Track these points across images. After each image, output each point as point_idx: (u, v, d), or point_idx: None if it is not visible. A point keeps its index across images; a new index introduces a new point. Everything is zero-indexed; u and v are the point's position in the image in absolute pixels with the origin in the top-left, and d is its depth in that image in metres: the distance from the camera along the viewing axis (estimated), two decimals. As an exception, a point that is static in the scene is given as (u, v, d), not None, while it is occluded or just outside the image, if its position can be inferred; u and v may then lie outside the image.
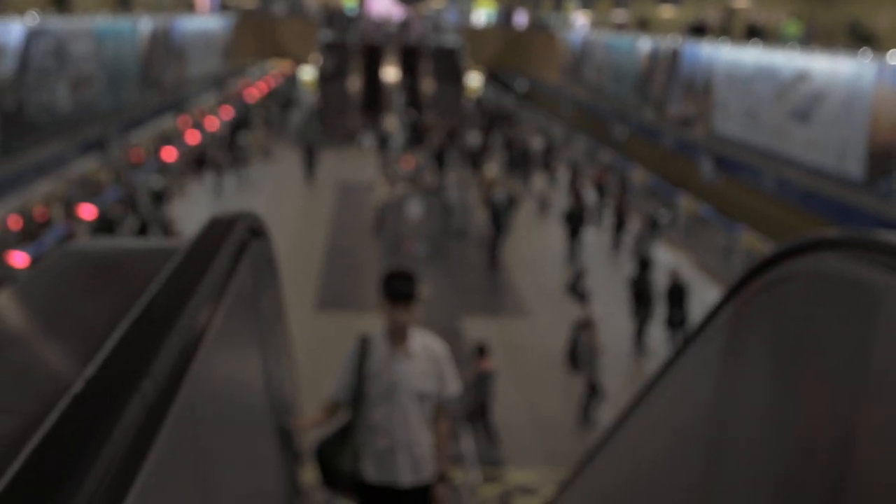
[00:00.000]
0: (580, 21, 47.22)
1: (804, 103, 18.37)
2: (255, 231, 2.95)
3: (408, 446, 4.77)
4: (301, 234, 24.16)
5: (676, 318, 17.40)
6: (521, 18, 55.52)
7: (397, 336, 4.78)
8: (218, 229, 2.42)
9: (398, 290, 4.71)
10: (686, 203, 25.54)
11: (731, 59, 22.28)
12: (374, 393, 4.76)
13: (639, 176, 29.88)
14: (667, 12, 28.35)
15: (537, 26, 50.28)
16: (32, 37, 17.91)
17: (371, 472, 4.81)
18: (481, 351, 13.03)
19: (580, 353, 14.81)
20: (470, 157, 33.81)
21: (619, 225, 24.16)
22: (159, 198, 24.35)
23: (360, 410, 4.79)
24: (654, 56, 28.24)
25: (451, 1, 57.26)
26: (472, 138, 35.21)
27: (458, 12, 67.54)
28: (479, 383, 12.89)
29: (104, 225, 20.61)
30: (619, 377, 17.04)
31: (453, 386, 4.89)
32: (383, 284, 4.74)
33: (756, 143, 20.49)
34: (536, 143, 35.19)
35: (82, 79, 20.80)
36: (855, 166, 16.41)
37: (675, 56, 26.21)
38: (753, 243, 21.27)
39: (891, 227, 14.97)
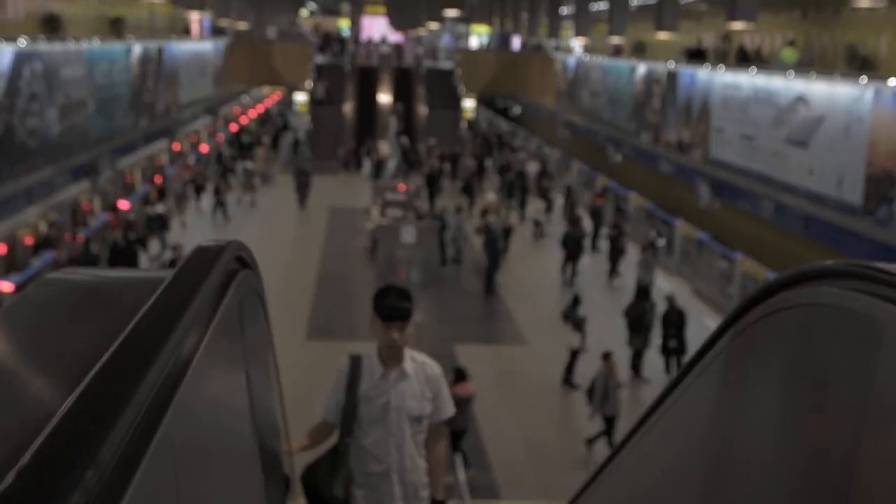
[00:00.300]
0: (576, 45, 47.19)
1: (802, 128, 18.19)
2: (243, 260, 2.80)
3: (402, 472, 4.58)
4: (293, 260, 23.92)
5: (673, 345, 17.20)
6: (515, 42, 55.51)
7: (391, 356, 4.62)
8: (203, 259, 2.31)
9: (393, 308, 4.54)
10: (683, 229, 25.34)
11: (729, 83, 22.12)
12: (366, 415, 4.58)
13: (635, 201, 29.70)
14: (663, 36, 28.19)
15: (532, 50, 50.25)
16: (22, 60, 17.69)
17: (363, 499, 4.62)
18: (459, 374, 12.78)
19: (597, 388, 14.57)
20: (464, 182, 33.63)
21: (615, 251, 23.97)
22: (162, 223, 24.11)
23: (350, 433, 4.60)
24: (649, 80, 28.09)
25: (445, 25, 57.27)
26: (466, 163, 35.04)
27: (452, 36, 67.64)
28: (457, 407, 12.60)
29: (88, 255, 20.36)
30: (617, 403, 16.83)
31: (449, 407, 4.74)
32: (376, 302, 4.57)
33: (753, 169, 20.30)
34: (532, 169, 35.03)
35: (73, 103, 20.58)
36: (853, 192, 16.23)
37: (671, 80, 26.06)
38: (751, 270, 21.05)
39: (891, 252, 14.77)
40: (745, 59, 24.49)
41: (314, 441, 4.84)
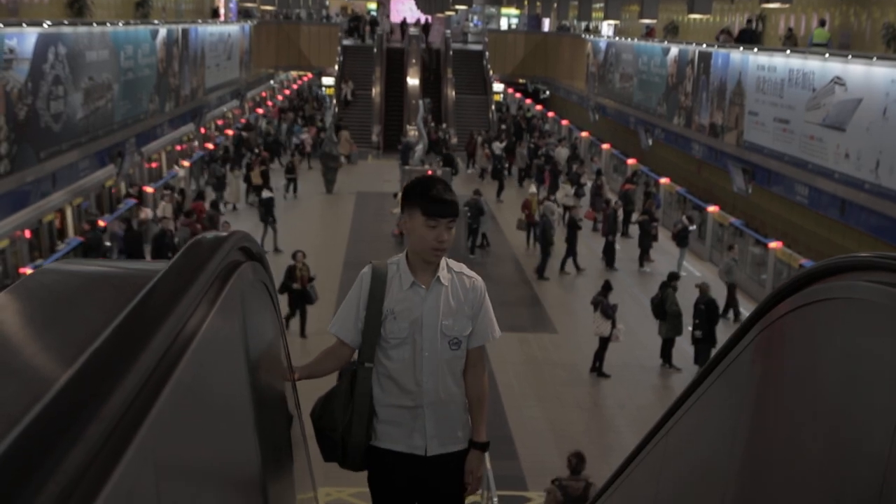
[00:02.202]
0: (606, 27, 46.69)
1: (838, 111, 17.78)
2: (248, 251, 2.76)
3: (435, 405, 3.78)
4: (319, 246, 23.71)
5: (698, 335, 16.89)
6: (546, 25, 55.05)
7: (427, 263, 3.79)
8: (200, 251, 2.28)
9: (442, 200, 3.72)
10: (715, 214, 24.96)
11: (763, 65, 21.68)
12: (391, 335, 3.78)
13: (667, 186, 29.31)
14: (695, 17, 27.74)
15: (562, 32, 49.78)
16: (46, 44, 17.53)
17: (386, 437, 3.82)
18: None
19: None
20: (494, 167, 33.33)
21: (645, 236, 23.66)
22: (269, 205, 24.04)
23: (372, 358, 3.82)
24: (682, 63, 27.65)
25: (474, 7, 56.85)
26: (496, 148, 34.70)
27: (481, 17, 67.20)
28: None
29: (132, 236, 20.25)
30: (646, 391, 16.56)
31: (493, 328, 3.87)
32: (414, 196, 3.78)
33: (788, 153, 19.89)
34: (562, 153, 34.67)
35: (97, 87, 20.41)
36: (890, 177, 15.82)
37: (703, 62, 25.63)
38: (786, 256, 20.67)
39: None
40: (784, 40, 24.02)
41: (326, 366, 3.98)
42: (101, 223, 20.90)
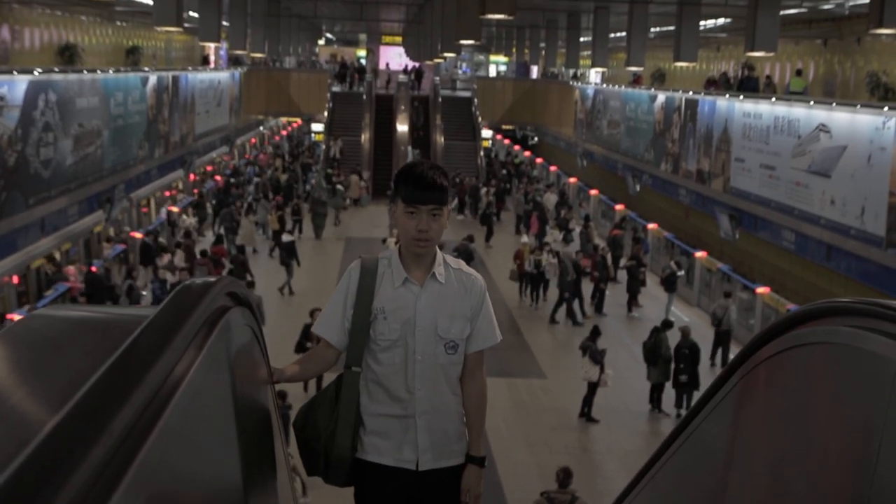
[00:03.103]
0: (593, 75, 47.05)
1: (823, 158, 17.93)
2: (235, 296, 2.73)
3: (428, 414, 3.43)
4: (303, 293, 23.66)
5: (684, 379, 16.91)
6: (534, 72, 55.44)
7: (418, 257, 3.45)
8: (188, 298, 2.27)
9: (423, 182, 3.38)
10: (703, 260, 25.06)
11: (749, 112, 21.88)
12: (381, 336, 3.43)
13: (655, 232, 29.43)
14: (682, 65, 28.03)
15: (550, 79, 50.13)
16: (37, 90, 17.61)
17: (373, 449, 3.47)
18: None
19: None
20: (482, 213, 33.44)
21: (634, 282, 23.72)
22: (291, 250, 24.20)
23: (359, 362, 3.47)
24: (669, 109, 27.88)
25: (463, 54, 57.27)
26: (484, 194, 34.83)
27: (470, 65, 67.70)
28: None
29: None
30: (635, 436, 16.54)
31: (493, 332, 3.52)
32: (401, 182, 3.45)
33: (774, 199, 20.03)
34: (550, 198, 34.81)
35: (87, 133, 20.49)
36: (875, 223, 15.94)
37: (690, 109, 25.84)
38: (773, 301, 20.74)
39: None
40: (765, 87, 24.24)
41: (308, 369, 3.68)
42: (93, 269, 20.89)
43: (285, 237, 25.44)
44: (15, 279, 18.99)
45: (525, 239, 27.06)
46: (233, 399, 2.58)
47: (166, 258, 22.93)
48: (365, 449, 3.47)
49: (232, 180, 36.46)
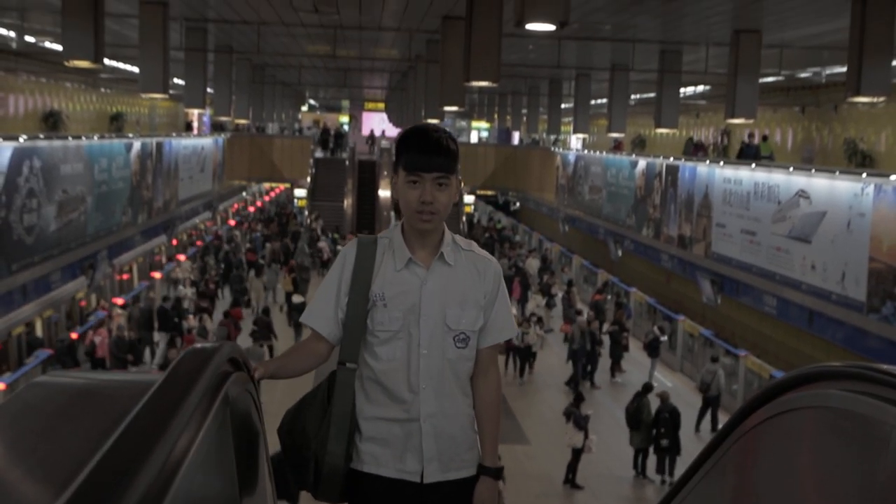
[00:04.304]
0: (575, 140, 47.45)
1: (803, 224, 18.08)
2: (235, 362, 2.69)
3: (435, 418, 2.99)
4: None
5: (665, 444, 16.88)
6: (516, 138, 55.87)
7: (422, 236, 3.03)
8: (194, 363, 2.27)
9: (427, 147, 2.97)
10: (685, 325, 25.12)
11: (729, 177, 22.09)
12: (380, 328, 3.01)
13: (637, 297, 29.51)
14: (662, 130, 28.38)
15: (532, 145, 50.52)
16: (21, 157, 17.65)
17: (371, 458, 3.02)
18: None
19: None
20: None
21: (617, 347, 23.73)
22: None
23: (356, 357, 3.05)
24: (650, 175, 28.12)
25: (445, 120, 57.61)
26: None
27: (452, 130, 68.04)
28: None
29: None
30: (620, 503, 16.48)
31: (509, 324, 3.12)
32: (402, 148, 3.04)
33: (756, 264, 20.15)
34: (533, 264, 34.91)
35: (71, 199, 20.50)
36: (856, 288, 16.04)
37: (671, 175, 26.08)
38: (756, 367, 20.78)
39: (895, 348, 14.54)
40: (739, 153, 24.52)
41: (296, 365, 3.17)
42: (74, 335, 20.83)
43: (295, 298, 25.92)
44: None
45: (513, 310, 26.77)
46: (235, 468, 2.57)
47: (192, 320, 23.06)
48: (361, 458, 3.04)
49: (226, 246, 36.54)
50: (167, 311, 23.43)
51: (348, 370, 3.04)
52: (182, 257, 32.51)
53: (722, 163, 23.26)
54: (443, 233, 3.05)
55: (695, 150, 29.40)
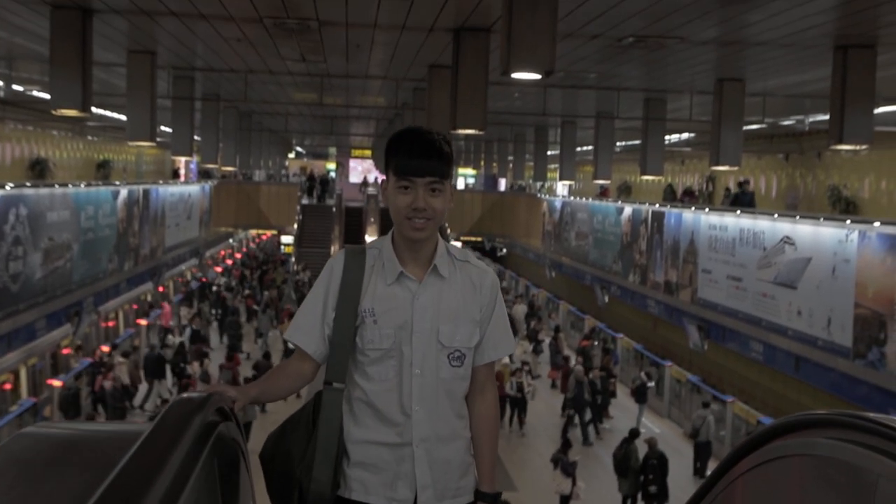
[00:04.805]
0: (561, 187, 47.65)
1: (789, 270, 18.15)
2: (223, 412, 2.68)
3: (429, 442, 2.81)
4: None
5: (653, 491, 16.83)
6: (502, 184, 56.08)
7: (413, 246, 2.85)
8: (182, 412, 2.28)
9: (419, 155, 2.79)
10: (672, 371, 25.11)
11: (714, 224, 22.19)
12: (370, 346, 2.84)
13: (624, 343, 29.51)
14: (648, 177, 28.56)
15: (518, 191, 50.70)
16: (7, 205, 17.64)
17: (360, 485, 2.83)
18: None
19: None
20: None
21: (604, 393, 23.68)
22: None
23: (343, 377, 2.87)
24: (636, 221, 28.23)
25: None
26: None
27: (439, 178, 68.25)
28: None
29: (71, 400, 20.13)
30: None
31: (507, 341, 2.97)
32: (392, 151, 2.85)
33: (742, 310, 20.20)
34: (520, 310, 34.90)
35: (57, 247, 20.47)
36: (842, 334, 16.08)
37: (657, 221, 26.18)
38: (743, 412, 20.76)
39: (884, 395, 14.54)
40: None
41: (280, 386, 3.02)
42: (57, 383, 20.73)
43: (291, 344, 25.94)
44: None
45: (505, 360, 26.32)
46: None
47: (195, 366, 23.07)
48: (349, 485, 2.84)
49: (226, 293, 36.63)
50: (163, 357, 23.84)
51: (335, 390, 2.85)
52: (167, 305, 32.46)
53: (707, 209, 23.37)
54: (436, 243, 2.90)
55: (683, 196, 29.54)
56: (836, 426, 2.09)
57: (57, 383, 20.89)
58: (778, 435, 2.36)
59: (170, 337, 28.23)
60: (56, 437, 2.44)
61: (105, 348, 24.51)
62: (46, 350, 22.56)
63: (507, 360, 25.86)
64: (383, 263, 2.85)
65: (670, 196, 29.52)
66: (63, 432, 2.57)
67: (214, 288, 36.79)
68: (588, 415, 22.63)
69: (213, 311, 33.53)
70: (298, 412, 2.94)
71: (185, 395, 2.45)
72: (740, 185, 24.77)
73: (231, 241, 52.66)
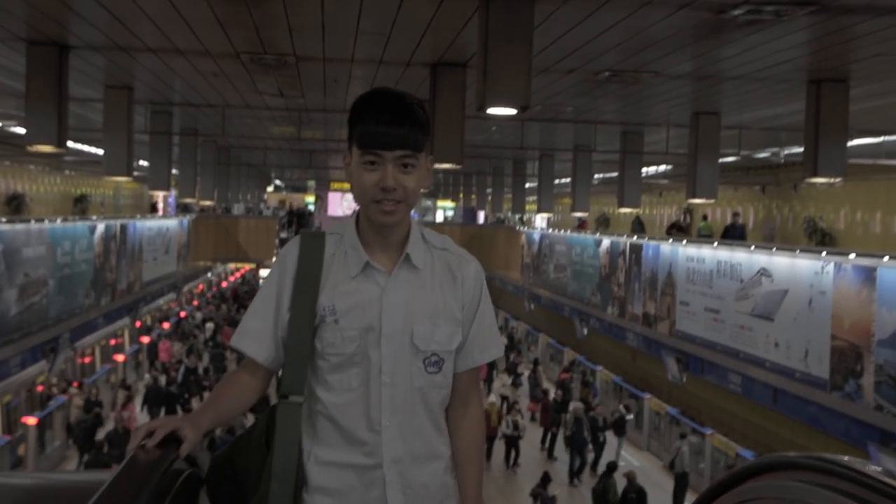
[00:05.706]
0: (539, 220, 47.78)
1: (766, 302, 18.21)
2: (190, 458, 2.46)
3: (401, 462, 2.41)
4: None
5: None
6: (481, 217, 56.19)
7: (382, 232, 2.44)
8: (143, 462, 2.17)
9: (387, 122, 2.33)
10: (651, 403, 25.11)
11: (692, 256, 22.27)
12: (331, 351, 2.41)
13: (603, 375, 29.51)
14: (626, 210, 28.72)
15: (497, 224, 50.81)
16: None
17: None
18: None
19: None
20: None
21: (605, 429, 23.65)
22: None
23: (301, 388, 2.42)
24: (614, 254, 28.30)
25: (411, 200, 57.92)
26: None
27: (417, 210, 68.42)
28: None
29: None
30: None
31: (494, 342, 2.56)
32: (357, 118, 2.40)
33: (720, 342, 20.23)
34: (498, 342, 34.84)
35: (33, 283, 20.34)
36: (819, 366, 16.12)
37: (635, 254, 26.25)
38: (722, 445, 20.76)
39: (861, 427, 14.57)
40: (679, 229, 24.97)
41: (228, 407, 2.54)
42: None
43: None
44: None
45: (492, 398, 25.54)
46: None
47: (195, 402, 23.17)
48: None
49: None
50: (159, 388, 24.39)
51: (292, 405, 2.41)
52: (146, 339, 32.27)
53: (685, 241, 23.46)
54: (409, 228, 2.47)
55: (669, 229, 29.61)
56: (806, 469, 2.07)
57: (32, 421, 20.67)
58: (752, 475, 2.31)
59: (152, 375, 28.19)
60: (16, 487, 2.38)
61: (75, 384, 24.38)
62: (21, 387, 22.37)
63: (493, 398, 25.59)
64: (346, 252, 2.44)
65: (638, 228, 29.64)
66: (23, 482, 2.54)
67: (208, 325, 37.09)
68: (589, 455, 22.35)
69: (208, 345, 34.04)
70: (248, 431, 2.51)
71: (139, 451, 2.24)
72: (733, 216, 24.94)
73: (209, 275, 52.51)
